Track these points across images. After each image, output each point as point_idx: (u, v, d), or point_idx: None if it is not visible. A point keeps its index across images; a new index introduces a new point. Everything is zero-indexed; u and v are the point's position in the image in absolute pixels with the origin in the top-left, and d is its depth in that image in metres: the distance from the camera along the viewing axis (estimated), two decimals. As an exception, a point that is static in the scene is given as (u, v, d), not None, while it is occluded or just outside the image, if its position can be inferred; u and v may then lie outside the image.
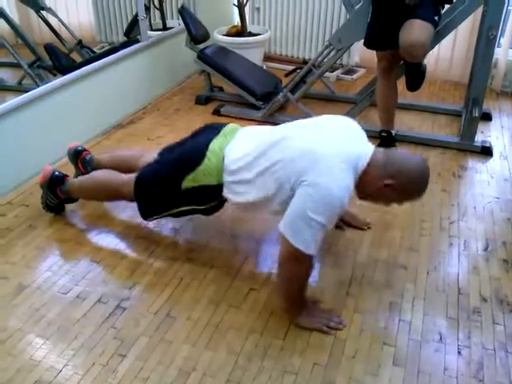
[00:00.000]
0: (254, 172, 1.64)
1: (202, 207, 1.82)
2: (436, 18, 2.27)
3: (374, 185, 1.58)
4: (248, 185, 1.66)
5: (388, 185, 1.56)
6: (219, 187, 1.73)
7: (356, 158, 1.54)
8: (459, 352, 1.55)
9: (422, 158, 1.63)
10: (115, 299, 1.73)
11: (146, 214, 1.91)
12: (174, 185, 1.77)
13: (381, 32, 2.40)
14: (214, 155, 1.72)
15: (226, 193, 1.73)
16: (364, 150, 1.59)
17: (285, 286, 1.62)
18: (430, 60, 2.38)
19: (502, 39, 3.44)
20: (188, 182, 1.74)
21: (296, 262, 1.52)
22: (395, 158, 1.60)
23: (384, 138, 2.64)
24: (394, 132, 2.64)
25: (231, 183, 1.70)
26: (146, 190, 1.87)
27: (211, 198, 1.79)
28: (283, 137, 1.63)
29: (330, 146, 1.54)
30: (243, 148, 1.71)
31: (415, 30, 2.17)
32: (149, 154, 2.08)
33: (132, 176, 1.91)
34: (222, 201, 1.82)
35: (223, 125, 1.87)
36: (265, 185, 1.61)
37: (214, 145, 1.75)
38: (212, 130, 1.84)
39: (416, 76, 2.48)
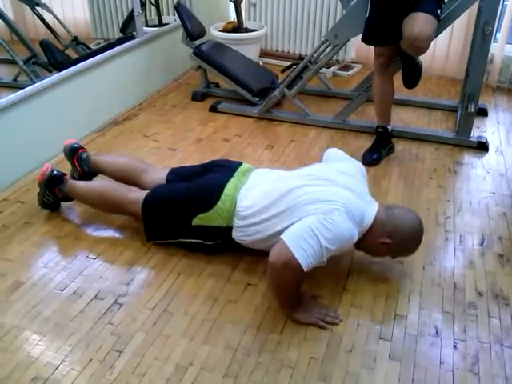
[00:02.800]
0: (265, 217, 1.69)
1: (209, 243, 1.88)
2: (439, 11, 2.27)
3: (373, 241, 1.70)
4: (258, 227, 1.72)
5: (384, 243, 1.67)
6: (228, 230, 1.79)
7: (363, 215, 1.65)
8: (455, 346, 1.55)
9: (418, 218, 1.73)
10: (112, 295, 1.73)
11: (152, 237, 1.96)
12: (185, 220, 1.82)
13: (380, 27, 2.38)
14: (227, 199, 1.77)
15: (234, 235, 1.79)
16: (370, 209, 1.69)
17: (277, 291, 1.64)
18: (426, 56, 2.37)
19: (498, 34, 3.44)
20: (199, 220, 1.80)
21: (289, 270, 1.51)
22: (394, 218, 1.70)
23: (380, 134, 2.64)
24: (390, 128, 2.64)
25: (241, 227, 1.76)
26: (155, 217, 1.90)
27: (219, 237, 1.85)
28: (297, 186, 1.69)
29: (343, 199, 1.61)
30: (256, 194, 1.76)
31: (420, 23, 2.16)
32: (154, 170, 2.11)
33: (139, 196, 1.92)
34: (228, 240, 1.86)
35: (238, 164, 1.92)
36: (275, 226, 1.67)
37: (229, 187, 1.79)
38: (227, 170, 1.88)
39: (413, 73, 2.48)
